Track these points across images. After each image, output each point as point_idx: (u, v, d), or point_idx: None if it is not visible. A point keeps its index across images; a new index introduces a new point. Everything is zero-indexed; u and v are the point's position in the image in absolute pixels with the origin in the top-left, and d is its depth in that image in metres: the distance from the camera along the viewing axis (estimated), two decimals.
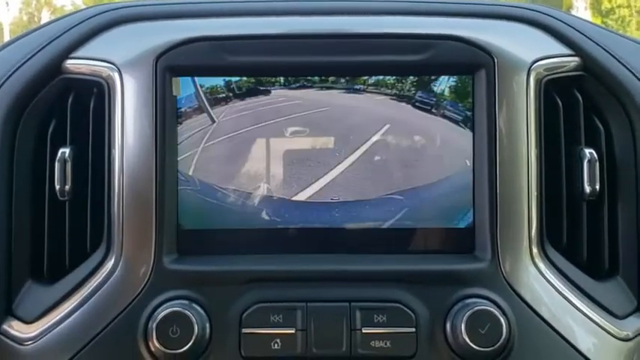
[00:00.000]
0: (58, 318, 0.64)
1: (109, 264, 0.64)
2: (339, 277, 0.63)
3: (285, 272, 0.63)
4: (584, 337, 0.63)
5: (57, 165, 0.65)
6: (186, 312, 0.60)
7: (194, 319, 0.59)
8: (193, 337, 0.59)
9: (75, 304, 0.64)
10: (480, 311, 0.60)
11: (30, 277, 0.67)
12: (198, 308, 0.61)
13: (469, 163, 0.65)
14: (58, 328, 0.63)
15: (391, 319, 0.61)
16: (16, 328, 0.65)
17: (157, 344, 0.59)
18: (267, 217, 0.65)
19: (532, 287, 0.63)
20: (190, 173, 0.65)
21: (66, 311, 0.64)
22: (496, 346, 0.59)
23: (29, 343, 0.64)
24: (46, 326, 0.64)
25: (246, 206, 0.65)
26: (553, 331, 0.62)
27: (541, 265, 0.64)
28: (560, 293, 0.64)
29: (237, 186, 0.65)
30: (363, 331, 0.61)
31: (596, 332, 0.64)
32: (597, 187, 0.66)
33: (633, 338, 0.65)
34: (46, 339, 0.63)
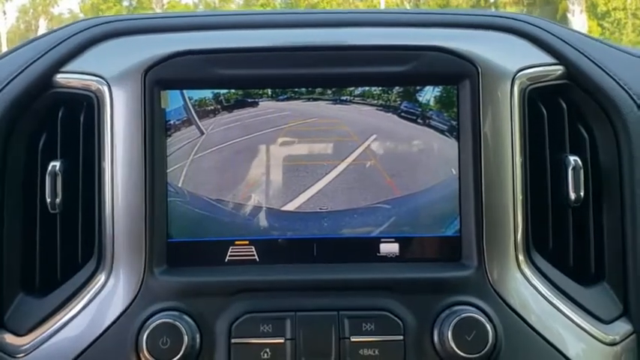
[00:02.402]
0: (50, 330, 0.64)
1: (101, 276, 0.65)
2: (328, 286, 0.63)
3: (273, 282, 0.63)
4: (571, 343, 0.64)
5: (48, 178, 0.66)
6: (177, 323, 0.60)
7: (184, 330, 0.60)
8: (183, 348, 0.60)
9: (67, 316, 0.64)
10: (466, 318, 0.60)
11: (21, 289, 0.68)
12: (188, 319, 0.61)
13: (455, 171, 0.66)
14: (50, 341, 0.64)
15: (379, 328, 0.61)
16: (7, 341, 0.65)
17: (147, 355, 0.60)
18: (256, 228, 0.66)
19: (518, 293, 0.64)
20: (180, 185, 0.66)
21: (58, 324, 0.64)
22: (482, 353, 0.60)
23: (21, 355, 0.64)
24: (38, 339, 0.64)
25: (236, 217, 0.66)
26: (540, 337, 0.63)
27: (527, 272, 0.65)
28: (546, 299, 0.65)
29: (227, 197, 0.66)
30: (352, 339, 0.61)
31: (583, 337, 0.65)
32: (582, 193, 0.67)
33: (620, 342, 0.66)
34: (38, 351, 0.64)
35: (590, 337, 0.65)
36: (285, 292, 0.63)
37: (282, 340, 0.61)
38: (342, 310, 0.62)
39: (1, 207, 0.67)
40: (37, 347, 0.64)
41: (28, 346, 0.64)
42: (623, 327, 0.66)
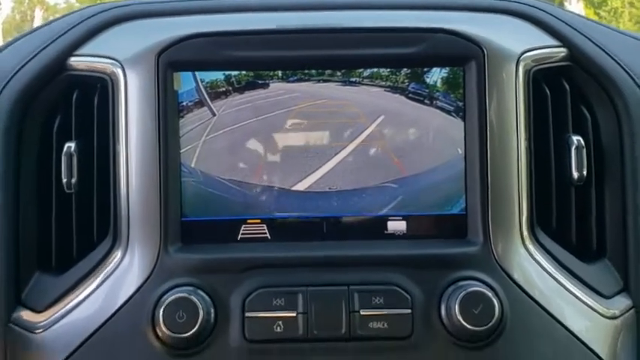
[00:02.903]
0: (67, 307, 0.66)
1: (116, 254, 0.66)
2: (338, 262, 0.65)
3: (285, 258, 0.65)
4: (573, 317, 0.66)
5: (63, 159, 0.67)
6: (192, 297, 0.62)
7: (199, 304, 0.62)
8: (199, 322, 0.61)
9: (84, 293, 0.66)
10: (473, 292, 0.62)
11: (38, 268, 0.69)
12: (203, 294, 0.63)
13: (461, 151, 0.67)
14: (67, 317, 0.66)
15: (388, 301, 0.63)
16: (26, 317, 0.67)
17: (164, 329, 0.62)
18: (267, 207, 0.68)
19: (523, 269, 0.66)
20: (193, 165, 0.67)
21: (75, 300, 0.66)
22: (489, 326, 0.62)
23: (40, 331, 0.66)
24: (56, 315, 0.66)
25: (248, 196, 0.68)
26: (543, 311, 0.65)
27: (531, 248, 0.67)
28: (549, 274, 0.67)
29: (239, 177, 0.68)
30: (362, 312, 0.63)
31: (585, 311, 0.67)
32: (585, 172, 0.68)
33: (620, 316, 0.68)
34: (56, 327, 0.66)
35: (591, 311, 0.67)
36: (296, 268, 0.65)
37: (294, 314, 0.63)
38: (351, 284, 0.64)
39: (17, 187, 0.68)
40: (55, 323, 0.66)
41: (46, 322, 0.66)
42: (623, 302, 0.69)
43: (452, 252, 0.65)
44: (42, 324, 0.66)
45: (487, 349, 0.63)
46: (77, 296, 0.66)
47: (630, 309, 0.68)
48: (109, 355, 0.64)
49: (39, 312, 0.67)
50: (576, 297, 0.67)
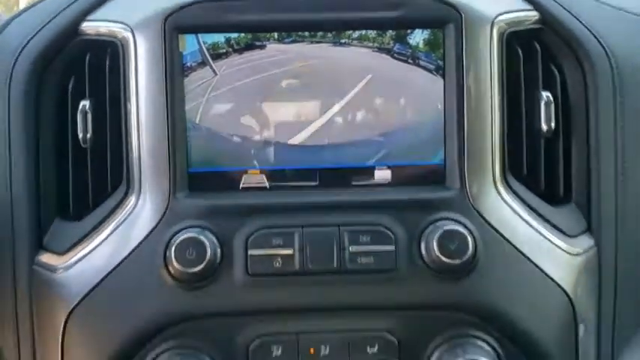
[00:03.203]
0: (86, 249, 0.73)
1: (130, 200, 0.73)
2: (329, 206, 0.72)
3: (283, 203, 0.72)
4: (540, 253, 0.73)
5: (79, 116, 0.74)
6: (200, 237, 0.69)
7: (207, 243, 0.69)
8: (207, 258, 0.68)
9: (101, 236, 0.73)
10: (449, 231, 0.69)
11: (58, 215, 0.76)
12: (210, 234, 0.70)
13: (440, 106, 0.74)
14: (86, 258, 0.73)
15: (374, 239, 0.70)
16: (48, 260, 0.74)
17: (175, 265, 0.69)
18: (266, 159, 0.74)
19: (495, 211, 0.73)
20: (197, 121, 0.74)
21: (93, 243, 0.73)
22: (464, 260, 0.69)
23: (61, 271, 0.73)
24: (76, 257, 0.73)
25: (248, 149, 0.74)
26: (513, 248, 0.72)
27: (503, 193, 0.74)
28: (519, 216, 0.74)
29: (239, 131, 0.74)
30: (351, 249, 0.70)
31: (551, 249, 0.74)
32: (553, 125, 0.76)
33: (583, 254, 0.75)
34: (77, 267, 0.72)
35: (557, 249, 0.74)
36: (292, 212, 0.72)
37: (291, 251, 0.70)
38: (342, 225, 0.71)
39: (37, 143, 0.75)
40: (76, 264, 0.73)
41: (67, 263, 0.73)
42: (586, 241, 0.76)
43: (431, 196, 0.72)
44: (63, 265, 0.73)
45: (462, 281, 0.70)
46: (95, 239, 0.73)
47: (592, 247, 0.76)
48: (126, 290, 0.71)
49: (60, 254, 0.74)
50: (543, 236, 0.74)
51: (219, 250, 0.70)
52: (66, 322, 0.72)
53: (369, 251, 0.70)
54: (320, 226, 0.71)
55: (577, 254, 0.75)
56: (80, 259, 0.73)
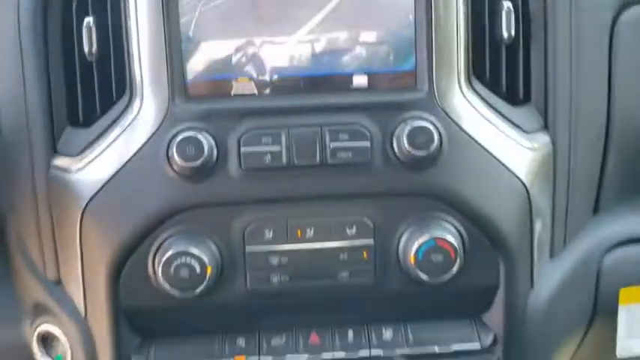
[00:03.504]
0: (96, 151, 0.81)
1: (134, 107, 0.81)
2: (312, 108, 0.80)
3: (270, 107, 0.80)
4: (500, 147, 0.82)
5: (84, 31, 0.81)
6: (198, 136, 0.77)
7: (204, 141, 0.77)
8: (204, 154, 0.77)
9: (109, 139, 0.81)
10: (418, 126, 0.78)
11: (69, 124, 0.85)
12: (206, 134, 0.78)
13: (411, 17, 0.81)
14: (97, 159, 0.81)
15: (352, 137, 0.79)
16: (63, 163, 0.83)
17: (177, 160, 0.77)
18: (254, 68, 0.82)
19: (459, 110, 0.81)
20: (191, 34, 0.81)
21: (102, 146, 0.81)
22: (430, 151, 0.78)
23: (75, 171, 0.82)
24: (88, 159, 0.82)
25: (238, 59, 0.81)
26: (475, 142, 0.81)
27: (468, 94, 0.82)
28: (481, 114, 0.82)
29: (229, 43, 0.81)
30: (331, 146, 0.79)
31: (510, 143, 0.83)
32: (513, 32, 0.83)
33: (539, 149, 0.85)
34: (90, 166, 0.81)
35: (515, 144, 0.83)
36: (280, 115, 0.80)
37: (279, 148, 0.79)
38: (323, 125, 0.79)
39: (47, 57, 0.83)
40: (88, 165, 0.82)
41: (79, 165, 0.82)
42: (543, 137, 0.85)
43: (403, 98, 0.81)
44: (76, 167, 0.82)
45: (429, 171, 0.79)
46: (103, 142, 0.81)
47: (548, 144, 0.86)
48: (134, 184, 0.80)
49: (73, 157, 0.83)
50: (503, 132, 0.83)
51: (215, 148, 0.78)
52: (82, 216, 0.82)
53: (348, 147, 0.79)
54: (304, 127, 0.79)
55: (534, 149, 0.84)
56: (92, 161, 0.82)
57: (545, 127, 0.86)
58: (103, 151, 0.82)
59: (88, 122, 0.84)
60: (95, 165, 0.82)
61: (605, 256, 0.93)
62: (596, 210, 0.94)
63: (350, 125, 0.80)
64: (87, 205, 0.81)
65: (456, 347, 0.84)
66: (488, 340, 0.85)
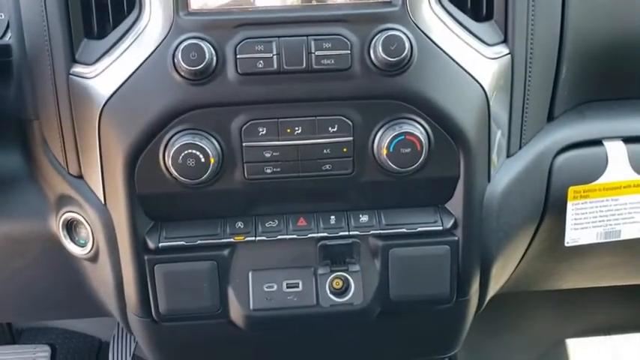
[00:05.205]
0: (111, 59, 0.93)
1: (143, 19, 0.92)
2: (300, 20, 0.91)
3: (263, 18, 0.91)
4: (464, 56, 0.94)
5: None
6: (200, 43, 0.87)
7: (205, 49, 0.87)
8: (206, 59, 0.87)
9: (121, 48, 0.92)
10: (391, 35, 0.89)
11: (85, 36, 0.96)
12: (207, 43, 0.89)
13: None
14: (112, 65, 0.93)
15: (334, 45, 0.90)
16: (81, 70, 0.95)
17: (181, 62, 0.87)
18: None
19: (429, 23, 0.92)
20: None
21: (116, 54, 0.93)
22: (401, 57, 0.89)
23: (92, 77, 0.93)
24: (103, 65, 0.93)
25: None
26: (442, 51, 0.93)
27: (437, 9, 0.93)
28: (448, 27, 0.94)
29: None
30: (316, 53, 0.90)
31: (473, 53, 0.95)
32: None
33: (498, 58, 0.97)
34: (105, 72, 0.93)
35: (478, 54, 0.95)
36: (271, 26, 0.91)
37: (270, 55, 0.90)
38: (309, 35, 0.90)
39: None
40: (104, 70, 0.93)
41: (96, 71, 0.93)
42: (501, 49, 0.98)
43: (379, 11, 0.91)
44: (93, 73, 0.94)
45: (401, 76, 0.91)
46: (117, 51, 0.93)
47: (507, 54, 0.98)
48: (145, 87, 0.91)
49: (90, 65, 0.94)
50: (468, 44, 0.95)
51: (214, 54, 0.90)
52: (100, 117, 0.94)
53: (330, 55, 0.90)
54: (292, 37, 0.90)
55: (494, 58, 0.97)
56: (107, 67, 0.93)
57: (505, 40, 0.98)
58: (116, 59, 0.93)
59: (102, 35, 0.96)
60: (110, 71, 0.93)
61: (556, 158, 1.07)
62: (550, 117, 1.08)
63: (333, 35, 0.91)
64: (104, 106, 0.93)
65: (421, 228, 0.99)
66: (449, 223, 0.99)
